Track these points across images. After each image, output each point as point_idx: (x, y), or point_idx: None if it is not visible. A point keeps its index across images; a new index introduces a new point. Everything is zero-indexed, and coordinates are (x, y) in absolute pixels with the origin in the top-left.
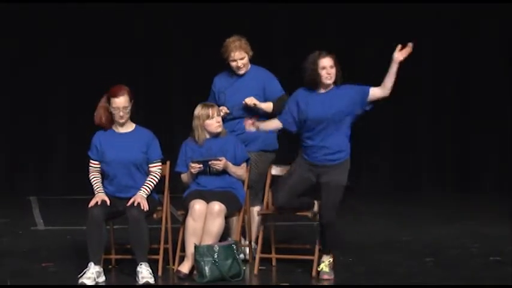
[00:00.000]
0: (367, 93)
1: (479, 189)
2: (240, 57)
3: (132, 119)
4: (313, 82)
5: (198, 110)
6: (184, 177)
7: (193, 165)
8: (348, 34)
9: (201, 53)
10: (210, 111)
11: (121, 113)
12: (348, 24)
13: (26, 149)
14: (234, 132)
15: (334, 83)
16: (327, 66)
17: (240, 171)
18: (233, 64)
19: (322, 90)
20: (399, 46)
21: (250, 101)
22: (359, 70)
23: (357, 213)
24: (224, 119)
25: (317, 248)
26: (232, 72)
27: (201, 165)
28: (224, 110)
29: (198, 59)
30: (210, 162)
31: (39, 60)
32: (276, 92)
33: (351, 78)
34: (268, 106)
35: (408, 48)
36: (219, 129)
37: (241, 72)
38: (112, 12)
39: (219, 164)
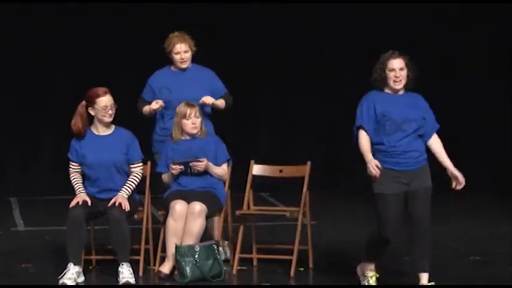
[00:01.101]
0: (429, 134)
1: (476, 189)
2: (184, 50)
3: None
4: (378, 83)
5: (179, 107)
6: (165, 177)
7: (173, 166)
8: (348, 34)
9: (201, 53)
10: (188, 110)
11: (110, 111)
12: (348, 24)
13: (7, 150)
14: None
15: (405, 86)
16: (396, 69)
17: (221, 171)
18: (176, 57)
19: (394, 93)
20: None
21: (209, 100)
22: (357, 70)
23: (340, 213)
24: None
25: (296, 248)
26: (174, 67)
27: (182, 167)
28: (160, 103)
29: (198, 59)
30: (191, 164)
31: (29, 61)
32: (220, 90)
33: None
34: (222, 103)
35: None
36: (194, 131)
37: (184, 66)
38: (112, 12)
39: (200, 165)
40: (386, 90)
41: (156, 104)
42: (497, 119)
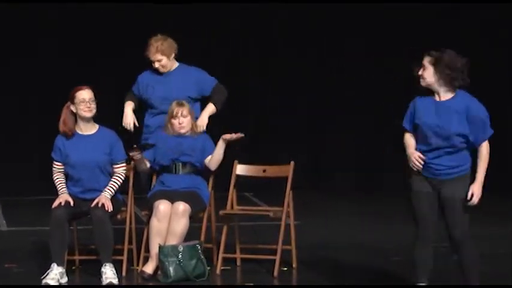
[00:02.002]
0: (476, 144)
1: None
2: (157, 59)
3: (95, 120)
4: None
5: (170, 106)
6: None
7: (131, 154)
8: (348, 34)
9: (199, 54)
10: (176, 110)
11: (88, 105)
12: (348, 24)
13: None
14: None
15: (449, 87)
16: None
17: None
18: (154, 64)
19: (438, 98)
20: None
21: (203, 123)
22: (356, 69)
23: (323, 212)
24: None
25: (279, 248)
26: None
27: (139, 152)
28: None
29: (195, 59)
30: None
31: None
32: (209, 83)
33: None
34: (212, 110)
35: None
36: (182, 131)
37: (162, 70)
38: (112, 12)
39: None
40: (435, 96)
41: (128, 126)
42: (497, 118)
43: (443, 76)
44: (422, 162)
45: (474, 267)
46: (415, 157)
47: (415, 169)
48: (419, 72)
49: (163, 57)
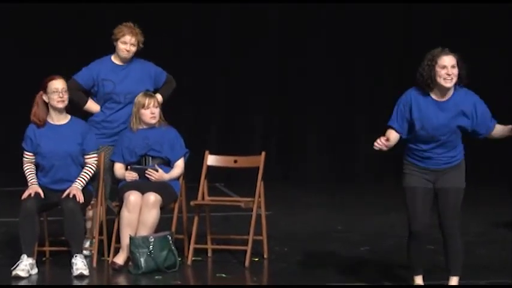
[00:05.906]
0: (490, 129)
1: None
2: (131, 43)
3: (68, 111)
4: (425, 82)
5: (137, 98)
6: (118, 169)
7: (128, 174)
8: (346, 33)
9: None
10: (147, 100)
11: (60, 95)
12: (346, 23)
13: None
14: (124, 124)
15: (456, 84)
16: (447, 66)
17: (177, 172)
18: (122, 47)
19: (438, 97)
20: None
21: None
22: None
23: (294, 203)
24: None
25: (250, 238)
26: (116, 59)
27: (137, 175)
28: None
29: (190, 60)
30: (146, 173)
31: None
32: (163, 76)
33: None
34: (160, 101)
35: None
36: (153, 121)
37: (126, 56)
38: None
39: (154, 175)
40: (432, 95)
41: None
42: (497, 116)
43: (463, 74)
44: (384, 147)
45: (458, 258)
46: (381, 139)
47: (376, 148)
48: (454, 71)
49: (136, 43)
